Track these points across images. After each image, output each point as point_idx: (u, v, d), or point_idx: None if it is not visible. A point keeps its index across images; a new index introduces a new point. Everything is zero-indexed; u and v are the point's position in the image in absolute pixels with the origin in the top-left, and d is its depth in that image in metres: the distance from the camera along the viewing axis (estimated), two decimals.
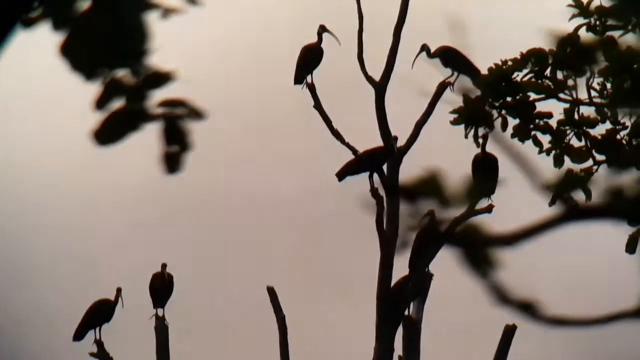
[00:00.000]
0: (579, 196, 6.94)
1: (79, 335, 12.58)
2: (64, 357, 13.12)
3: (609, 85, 7.02)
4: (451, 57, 12.10)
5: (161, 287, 12.61)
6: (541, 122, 7.19)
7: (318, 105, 12.58)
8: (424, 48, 12.14)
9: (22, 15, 3.00)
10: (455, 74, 12.20)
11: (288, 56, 12.93)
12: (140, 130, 3.15)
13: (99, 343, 12.51)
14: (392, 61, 12.31)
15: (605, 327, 3.03)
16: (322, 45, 12.58)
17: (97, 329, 12.55)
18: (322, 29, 12.55)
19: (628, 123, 7.21)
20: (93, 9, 3.06)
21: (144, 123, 3.14)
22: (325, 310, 14.66)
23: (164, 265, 12.70)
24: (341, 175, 12.32)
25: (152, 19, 3.09)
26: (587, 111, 7.21)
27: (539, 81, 7.07)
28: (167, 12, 3.11)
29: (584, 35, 7.02)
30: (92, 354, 12.52)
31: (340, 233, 14.62)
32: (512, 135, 7.20)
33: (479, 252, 2.84)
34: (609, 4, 6.97)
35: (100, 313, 12.52)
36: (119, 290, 12.55)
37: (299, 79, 12.59)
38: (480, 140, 7.50)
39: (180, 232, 14.89)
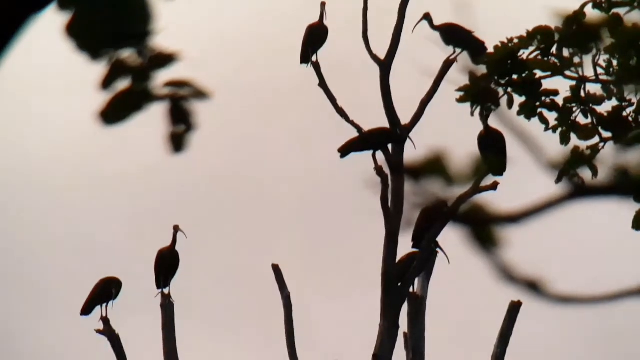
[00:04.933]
0: (585, 173, 6.93)
1: (86, 310, 12.63)
2: (69, 336, 13.17)
3: (615, 63, 6.99)
4: (453, 34, 12.04)
5: (168, 260, 12.59)
6: (547, 100, 7.17)
7: (323, 84, 12.55)
8: (426, 17, 12.07)
9: (38, 6, 2.98)
10: (458, 51, 12.15)
11: (293, 35, 12.90)
12: (145, 110, 3.15)
13: (105, 320, 12.56)
14: (397, 39, 12.27)
15: (612, 305, 3.03)
16: (327, 24, 12.54)
17: (104, 306, 12.59)
18: (323, 7, 12.51)
19: (634, 100, 7.19)
20: None
21: (149, 103, 3.14)
22: (330, 288, 14.68)
23: (176, 228, 12.65)
24: (344, 152, 12.30)
25: None
26: (594, 88, 7.19)
27: (545, 59, 7.04)
28: None
29: (590, 12, 6.99)
30: (98, 331, 12.57)
31: (345, 211, 14.62)
32: (518, 113, 7.18)
33: (485, 230, 2.83)
34: None
35: (107, 290, 12.56)
36: (114, 282, 12.55)
37: (305, 58, 12.55)
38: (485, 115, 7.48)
39: (185, 210, 14.91)
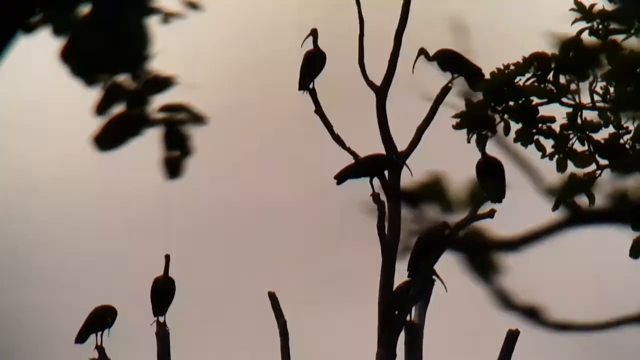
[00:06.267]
0: (583, 201, 6.93)
1: (81, 337, 12.58)
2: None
3: (611, 89, 7.01)
4: (449, 61, 12.08)
5: (163, 288, 12.56)
6: (544, 127, 7.18)
7: (319, 110, 12.56)
8: (421, 52, 12.12)
9: (23, 21, 2.98)
10: (455, 76, 12.17)
11: (289, 61, 12.92)
12: (141, 135, 3.13)
13: (100, 349, 12.50)
14: (393, 66, 12.30)
15: (610, 332, 3.02)
16: (323, 50, 12.56)
17: (99, 334, 12.53)
18: (314, 33, 12.52)
19: (631, 127, 7.19)
20: (93, 14, 3.04)
21: (144, 128, 3.13)
22: (327, 316, 14.64)
23: (167, 257, 12.62)
24: (340, 178, 12.30)
25: (152, 23, 3.07)
26: (590, 115, 7.20)
27: (542, 85, 7.06)
28: (167, 16, 3.09)
29: (587, 39, 7.01)
30: None
31: (341, 238, 14.60)
32: (515, 140, 7.18)
33: (483, 257, 2.82)
34: (611, 8, 6.96)
35: (101, 318, 12.51)
36: (113, 313, 12.50)
37: (302, 84, 12.56)
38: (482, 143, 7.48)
39: (180, 237, 14.88)
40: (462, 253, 2.83)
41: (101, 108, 3.11)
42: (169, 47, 3.14)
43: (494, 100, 7.05)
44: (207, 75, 14.27)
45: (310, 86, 12.55)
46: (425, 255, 12.08)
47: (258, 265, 15.02)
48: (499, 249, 2.83)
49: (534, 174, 3.09)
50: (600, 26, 6.99)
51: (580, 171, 7.18)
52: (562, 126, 7.22)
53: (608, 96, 7.06)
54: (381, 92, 12.31)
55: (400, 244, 12.15)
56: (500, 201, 11.59)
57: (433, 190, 2.81)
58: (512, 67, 7.06)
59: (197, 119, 3.15)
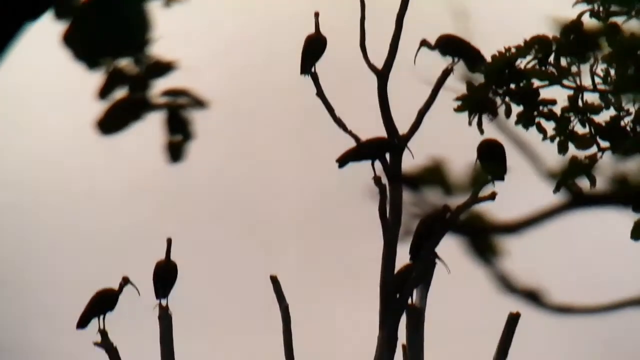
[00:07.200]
0: (584, 183, 6.94)
1: (82, 323, 12.58)
2: (67, 349, 13.14)
3: (612, 72, 7.00)
4: (450, 46, 12.07)
5: (165, 272, 12.57)
6: (545, 109, 7.18)
7: (320, 94, 12.56)
8: (423, 43, 12.12)
9: (32, 13, 2.98)
10: (456, 60, 12.16)
11: (290, 45, 12.90)
12: (143, 119, 3.14)
13: (102, 332, 12.52)
14: (395, 49, 12.28)
15: (611, 315, 3.03)
16: (324, 34, 12.56)
17: (101, 318, 12.54)
18: (317, 17, 12.53)
19: (632, 109, 7.20)
20: None
21: (146, 112, 3.13)
22: (328, 299, 14.67)
23: (169, 241, 12.62)
24: (342, 161, 12.31)
25: (154, 7, 3.08)
26: (591, 98, 7.20)
27: (543, 68, 7.05)
28: (169, 0, 3.10)
29: (588, 21, 7.01)
30: (96, 344, 12.53)
31: (343, 221, 14.62)
32: (516, 122, 7.18)
33: (484, 240, 2.83)
34: None
35: (103, 302, 12.51)
36: (125, 280, 12.50)
37: (304, 69, 12.55)
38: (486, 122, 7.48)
39: (182, 221, 14.89)
40: (463, 236, 2.84)
41: (103, 92, 3.12)
42: (170, 31, 3.15)
43: (495, 83, 7.05)
44: (209, 59, 14.25)
45: (312, 70, 12.55)
46: (426, 238, 12.09)
47: (260, 249, 15.04)
48: (500, 232, 2.84)
49: (534, 156, 3.09)
50: (601, 9, 6.99)
51: (581, 153, 7.19)
52: (563, 109, 7.22)
53: (609, 78, 7.05)
54: (382, 76, 12.30)
55: (401, 227, 12.15)
56: (502, 179, 11.61)
57: (434, 174, 2.81)
58: (513, 50, 7.05)
59: (199, 103, 3.15)
